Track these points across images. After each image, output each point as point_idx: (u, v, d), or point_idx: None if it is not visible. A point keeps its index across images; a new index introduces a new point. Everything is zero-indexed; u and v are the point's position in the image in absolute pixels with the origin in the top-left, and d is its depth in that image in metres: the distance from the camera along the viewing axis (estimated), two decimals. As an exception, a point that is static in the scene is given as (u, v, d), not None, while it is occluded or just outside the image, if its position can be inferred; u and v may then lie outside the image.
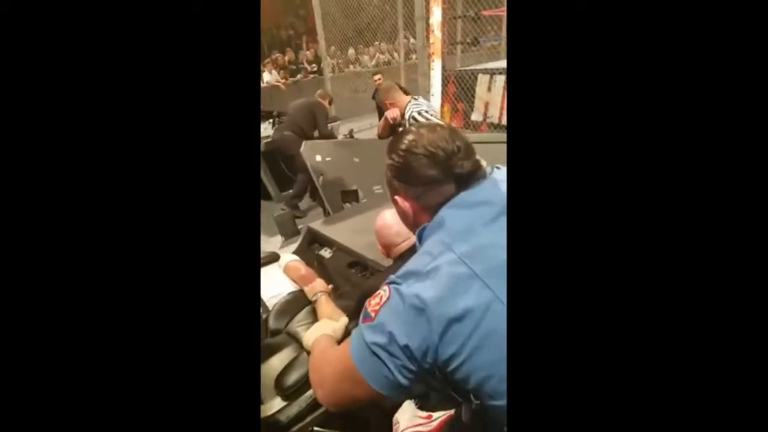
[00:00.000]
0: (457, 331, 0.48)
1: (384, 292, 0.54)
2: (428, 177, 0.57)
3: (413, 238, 1.14)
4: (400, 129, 2.02)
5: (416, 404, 0.97)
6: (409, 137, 0.60)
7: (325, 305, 1.03)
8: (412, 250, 1.09)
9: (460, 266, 0.50)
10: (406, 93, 2.24)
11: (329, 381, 0.59)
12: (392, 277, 0.55)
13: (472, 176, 0.58)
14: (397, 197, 0.63)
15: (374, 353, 0.51)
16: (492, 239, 0.51)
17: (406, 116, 1.92)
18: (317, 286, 1.09)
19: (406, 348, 0.50)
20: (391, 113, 2.02)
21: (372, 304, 0.55)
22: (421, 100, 2.00)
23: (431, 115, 1.92)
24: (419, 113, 1.88)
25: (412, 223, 0.64)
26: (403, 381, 0.51)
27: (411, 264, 0.55)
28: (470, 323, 0.48)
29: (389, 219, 1.18)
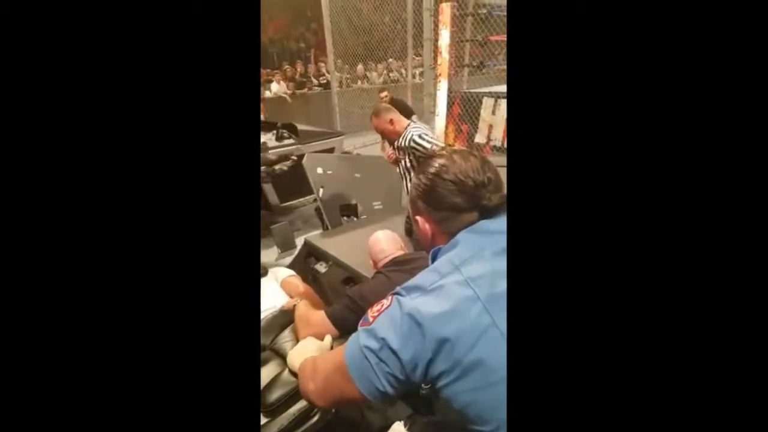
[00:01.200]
0: (450, 350, 0.48)
1: (387, 300, 0.55)
2: (453, 204, 0.58)
3: (393, 255, 1.24)
4: (398, 150, 2.02)
5: (405, 426, 0.95)
6: (440, 161, 0.60)
7: (303, 307, 1.06)
8: (390, 264, 1.21)
9: (464, 288, 0.51)
10: (410, 113, 2.22)
11: (321, 375, 0.60)
12: (398, 288, 0.56)
13: (498, 209, 0.57)
14: (418, 217, 0.63)
15: (365, 357, 0.52)
16: (500, 267, 0.51)
17: (406, 138, 1.87)
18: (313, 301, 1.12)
19: (396, 357, 0.50)
20: (388, 154, 2.05)
21: (373, 310, 0.56)
22: (420, 123, 1.97)
23: (431, 138, 1.89)
24: (420, 136, 1.84)
25: (429, 244, 0.64)
26: (388, 389, 0.52)
27: (418, 279, 0.56)
28: (464, 345, 0.48)
29: (378, 237, 1.32)
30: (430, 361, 0.49)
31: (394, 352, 0.50)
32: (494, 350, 0.47)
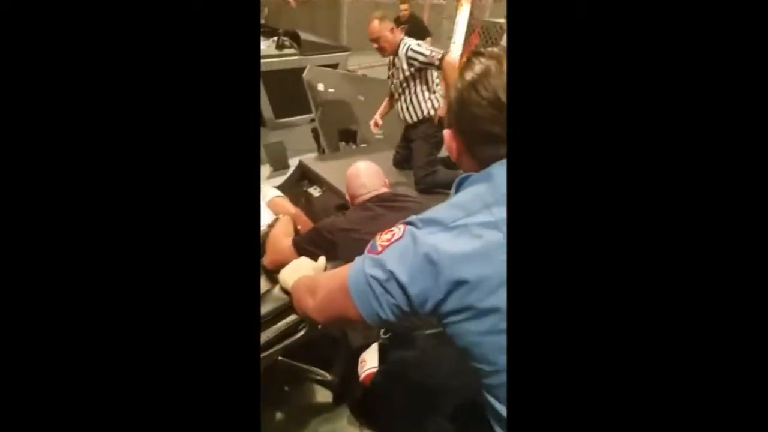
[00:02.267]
0: (466, 293, 0.45)
1: (398, 230, 0.51)
2: (484, 132, 0.48)
3: (375, 192, 1.12)
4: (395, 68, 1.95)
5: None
6: (482, 67, 0.47)
7: (278, 229, 1.05)
8: (372, 200, 1.10)
9: (493, 231, 0.45)
10: (426, 34, 2.05)
11: (323, 292, 0.59)
12: (413, 218, 0.51)
13: None
14: (446, 131, 0.55)
15: (369, 284, 0.50)
16: None
17: (401, 52, 1.86)
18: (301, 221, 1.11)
19: (403, 291, 0.48)
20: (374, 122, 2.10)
21: (382, 238, 0.52)
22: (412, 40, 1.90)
23: (429, 47, 1.86)
24: (418, 44, 1.85)
25: (457, 163, 0.57)
26: (390, 317, 0.51)
27: (439, 212, 0.50)
28: (483, 291, 0.44)
29: (359, 169, 1.17)
30: (441, 300, 0.47)
31: (401, 285, 0.48)
32: None
